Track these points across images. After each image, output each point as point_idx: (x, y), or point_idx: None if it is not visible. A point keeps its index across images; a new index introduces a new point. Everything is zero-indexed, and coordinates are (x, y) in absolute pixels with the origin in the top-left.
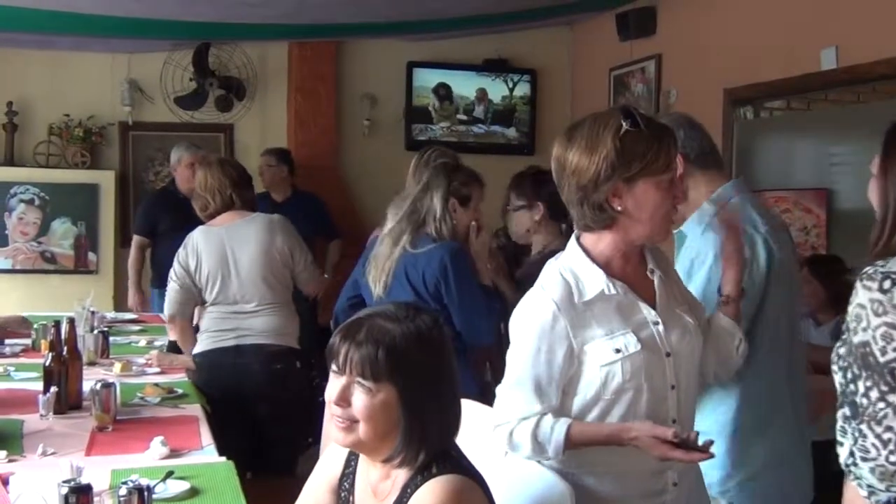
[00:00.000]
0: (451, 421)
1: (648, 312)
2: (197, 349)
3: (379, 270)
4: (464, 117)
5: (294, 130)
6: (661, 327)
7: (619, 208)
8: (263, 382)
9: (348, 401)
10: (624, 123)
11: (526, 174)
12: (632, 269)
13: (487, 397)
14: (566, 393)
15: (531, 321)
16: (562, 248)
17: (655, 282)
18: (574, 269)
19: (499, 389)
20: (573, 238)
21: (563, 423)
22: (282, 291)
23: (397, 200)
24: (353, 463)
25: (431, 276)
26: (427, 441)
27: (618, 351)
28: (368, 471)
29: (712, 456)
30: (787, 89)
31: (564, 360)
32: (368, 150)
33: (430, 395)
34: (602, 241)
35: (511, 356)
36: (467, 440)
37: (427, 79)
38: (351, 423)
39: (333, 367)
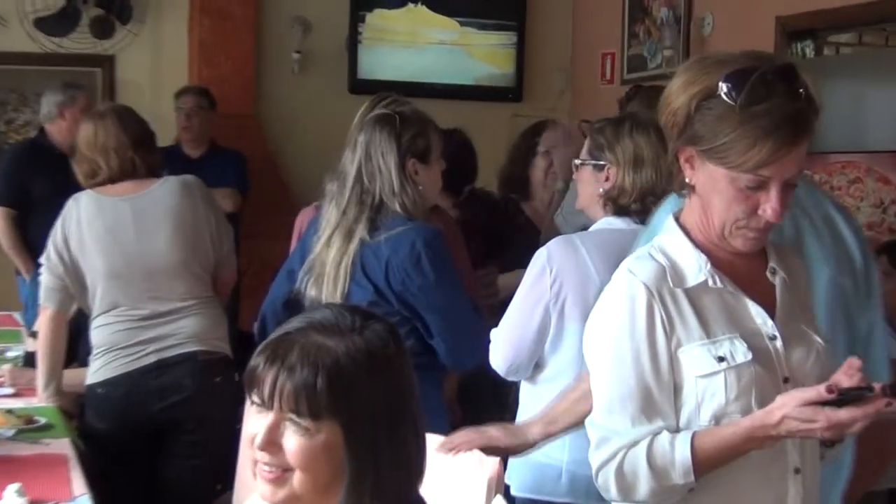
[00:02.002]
0: (413, 466)
1: (764, 322)
2: (95, 377)
3: (329, 281)
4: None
5: (198, 66)
6: (779, 343)
7: (689, 180)
8: (197, 403)
9: (278, 444)
10: (721, 87)
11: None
12: (744, 264)
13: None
14: None
15: (622, 314)
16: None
17: (777, 285)
18: (667, 249)
19: (590, 421)
20: (671, 216)
21: (683, 436)
22: (207, 281)
23: (335, 176)
24: None
25: (398, 269)
26: (381, 493)
27: (721, 359)
28: None
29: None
30: (858, 18)
31: (669, 360)
32: (299, 93)
33: (386, 433)
34: (693, 214)
35: (599, 372)
36: (434, 490)
37: None
38: (282, 473)
39: (255, 398)
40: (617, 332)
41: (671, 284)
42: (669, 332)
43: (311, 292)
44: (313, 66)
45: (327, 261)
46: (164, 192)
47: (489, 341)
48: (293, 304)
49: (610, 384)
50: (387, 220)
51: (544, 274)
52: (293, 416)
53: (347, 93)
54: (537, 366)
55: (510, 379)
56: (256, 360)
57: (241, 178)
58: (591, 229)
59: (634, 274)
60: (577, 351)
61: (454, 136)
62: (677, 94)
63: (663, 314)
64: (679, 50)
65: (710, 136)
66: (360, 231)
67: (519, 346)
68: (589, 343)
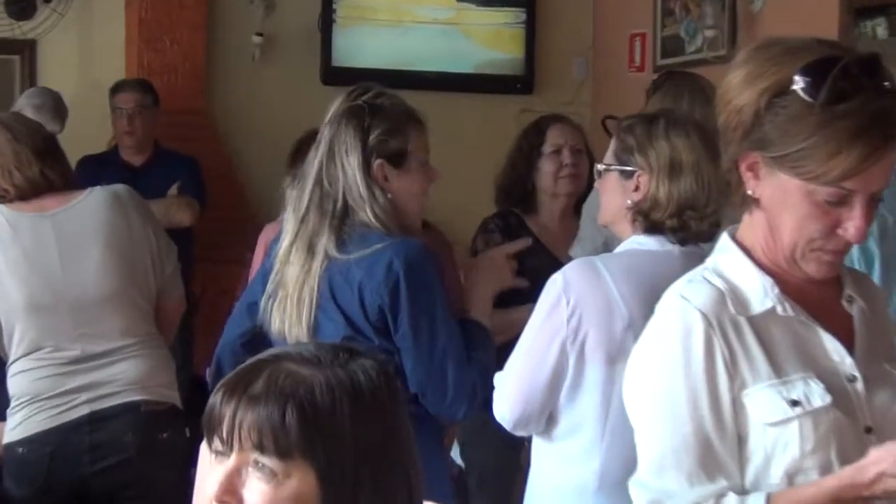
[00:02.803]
0: None
1: (842, 360)
2: (14, 434)
3: (292, 305)
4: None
5: (137, 51)
6: (859, 385)
7: (751, 192)
8: (140, 463)
9: (238, 495)
10: (796, 81)
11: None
12: (815, 291)
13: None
14: None
15: (674, 349)
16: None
17: (854, 316)
18: (725, 271)
19: (637, 481)
20: (725, 234)
21: (755, 499)
22: (150, 314)
23: (296, 180)
24: None
25: (373, 296)
26: None
27: (795, 404)
28: None
29: None
30: None
31: (732, 405)
32: (260, 84)
33: (371, 484)
34: (755, 233)
35: (647, 422)
36: None
37: None
38: None
39: (215, 442)
40: (669, 371)
41: (733, 311)
42: (732, 371)
43: (274, 322)
44: (278, 52)
45: (289, 280)
46: (91, 205)
47: (482, 389)
48: (255, 344)
49: (661, 436)
50: (356, 233)
51: (559, 305)
52: (258, 457)
53: (320, 83)
54: (551, 418)
55: (518, 434)
56: (215, 397)
57: (196, 185)
58: (616, 250)
59: (688, 300)
60: (599, 400)
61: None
62: (740, 89)
63: (725, 348)
64: (724, 30)
65: (783, 141)
66: (324, 243)
67: (529, 394)
68: (632, 387)
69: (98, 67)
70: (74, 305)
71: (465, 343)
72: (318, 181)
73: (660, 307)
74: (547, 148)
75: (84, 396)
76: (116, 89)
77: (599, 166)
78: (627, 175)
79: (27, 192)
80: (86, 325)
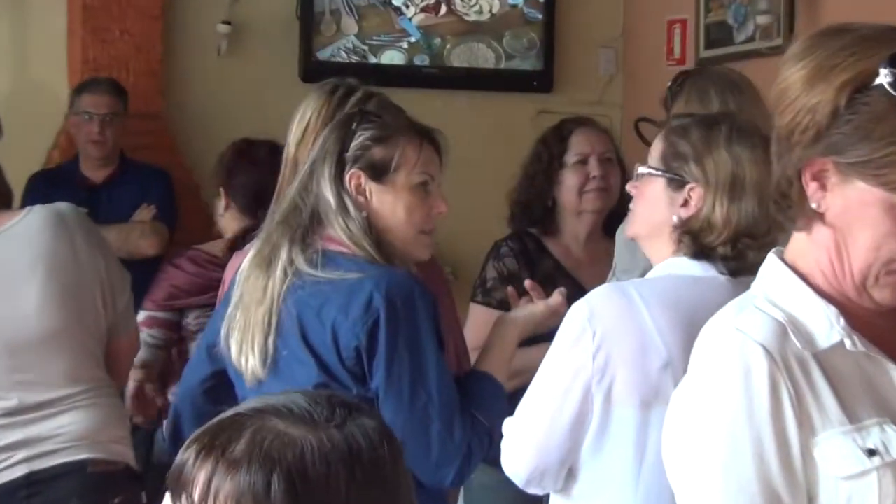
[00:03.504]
0: None
1: None
2: None
3: (249, 332)
4: (417, 15)
5: (82, 44)
6: None
7: (815, 205)
8: None
9: None
10: (883, 74)
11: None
12: (885, 324)
13: None
14: None
15: (734, 391)
16: None
17: None
18: (779, 300)
19: None
20: (771, 255)
21: None
22: (99, 356)
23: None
24: None
25: (349, 336)
26: None
27: (872, 453)
28: None
29: None
30: None
31: (801, 455)
32: (228, 82)
33: None
34: (816, 254)
35: (700, 478)
36: None
37: None
38: None
39: None
40: (727, 418)
41: (798, 346)
42: (800, 416)
43: (232, 350)
44: (249, 43)
45: (248, 301)
46: (29, 228)
47: (480, 452)
48: (219, 392)
49: (721, 493)
50: (325, 251)
51: (583, 339)
52: None
53: (299, 80)
54: (571, 474)
55: (531, 492)
56: (185, 455)
57: (169, 206)
58: (651, 273)
59: (745, 333)
60: (631, 452)
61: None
62: (809, 84)
63: (791, 389)
64: (780, 16)
65: (864, 144)
66: (284, 257)
67: (545, 444)
68: (677, 438)
69: (34, 63)
70: (9, 348)
71: (466, 398)
72: (298, 193)
73: (707, 342)
74: (570, 157)
75: (21, 454)
76: (84, 89)
77: (642, 168)
78: (677, 186)
79: None
80: (23, 370)
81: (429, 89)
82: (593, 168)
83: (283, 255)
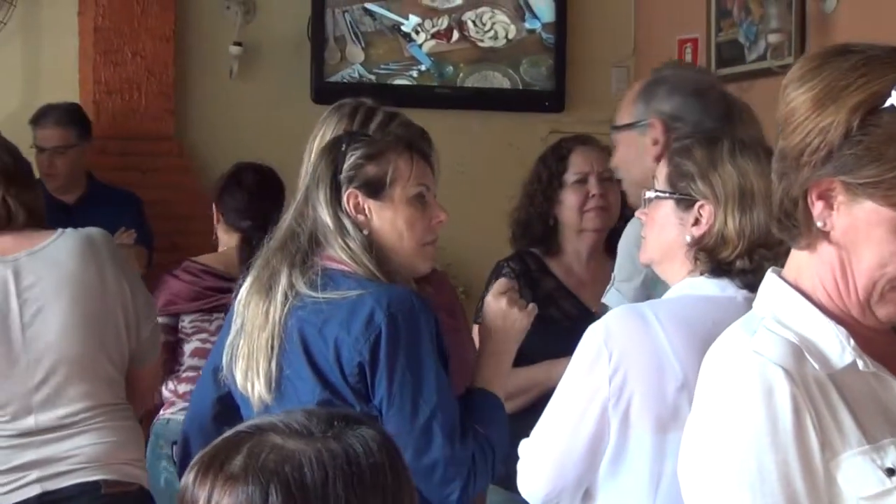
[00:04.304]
0: None
1: None
2: None
3: (253, 358)
4: (427, 41)
5: (94, 66)
6: None
7: (821, 224)
8: None
9: None
10: (894, 94)
11: None
12: (883, 342)
13: None
14: None
15: (757, 414)
16: None
17: None
18: (788, 321)
19: None
20: (770, 273)
21: None
22: (120, 383)
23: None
24: None
25: (352, 352)
26: None
27: (892, 472)
28: None
29: None
30: None
31: (825, 477)
32: (240, 103)
33: None
34: (820, 273)
35: (725, 497)
36: None
37: None
38: None
39: None
40: (750, 440)
41: (816, 367)
42: (821, 437)
43: (237, 377)
44: (260, 65)
45: (249, 328)
46: (59, 251)
47: (484, 469)
48: (227, 415)
49: None
50: (325, 272)
51: (600, 361)
52: None
53: (311, 102)
54: (587, 495)
55: None
56: (189, 475)
57: (141, 226)
58: (667, 295)
59: (763, 355)
60: (647, 473)
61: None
62: (820, 105)
63: (812, 410)
64: (791, 34)
65: (874, 165)
66: (284, 282)
67: (562, 465)
68: (696, 462)
69: (47, 85)
70: (31, 369)
71: (468, 414)
72: (296, 217)
73: (723, 366)
74: (570, 176)
75: (35, 474)
76: (35, 121)
77: (649, 194)
78: (686, 205)
79: None
80: (42, 392)
81: (441, 109)
82: (593, 187)
83: (283, 279)
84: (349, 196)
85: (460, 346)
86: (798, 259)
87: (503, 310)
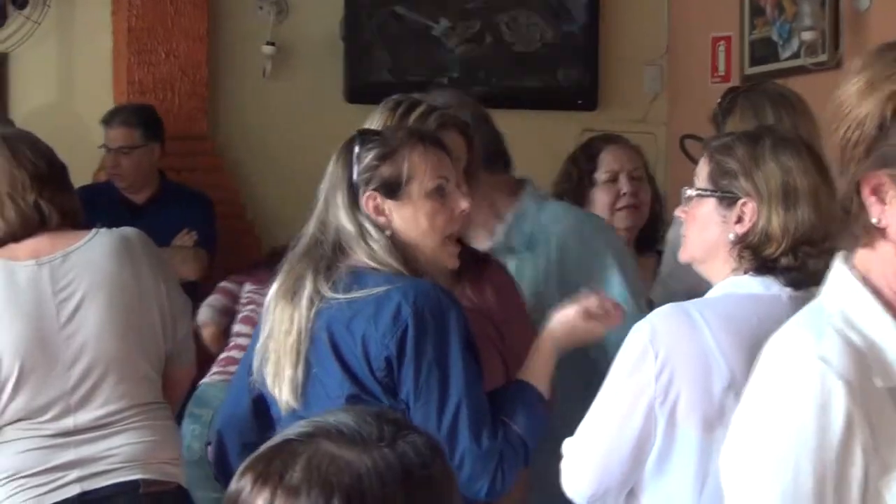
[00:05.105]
0: None
1: None
2: None
3: (280, 363)
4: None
5: (127, 66)
6: None
7: (875, 220)
8: None
9: None
10: None
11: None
12: None
13: None
14: None
15: (806, 423)
16: None
17: None
18: (858, 322)
19: None
20: (840, 264)
21: None
22: (156, 382)
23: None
24: None
25: (379, 347)
26: None
27: None
28: None
29: None
30: None
31: (861, 495)
32: (273, 102)
33: None
34: (881, 269)
35: (756, 495)
36: None
37: None
38: None
39: None
40: (796, 447)
41: (880, 384)
42: (871, 455)
43: (268, 379)
44: (293, 65)
45: (276, 332)
46: (95, 251)
47: (513, 464)
48: (261, 418)
49: None
50: (348, 274)
51: (646, 360)
52: None
53: (343, 101)
54: (632, 494)
55: None
56: (241, 482)
57: (207, 230)
58: (710, 293)
59: (829, 364)
60: (693, 473)
61: None
62: (860, 98)
63: (867, 428)
64: (825, 32)
65: None
66: (308, 287)
67: (607, 464)
68: (738, 460)
69: (80, 85)
70: (69, 370)
71: (500, 407)
72: (319, 223)
73: (784, 365)
74: (600, 175)
75: (75, 474)
76: (104, 122)
77: (690, 191)
78: (728, 203)
79: (17, 229)
80: (80, 392)
81: None
82: (623, 185)
83: (308, 285)
84: (367, 199)
85: (519, 328)
86: (865, 255)
87: (573, 321)
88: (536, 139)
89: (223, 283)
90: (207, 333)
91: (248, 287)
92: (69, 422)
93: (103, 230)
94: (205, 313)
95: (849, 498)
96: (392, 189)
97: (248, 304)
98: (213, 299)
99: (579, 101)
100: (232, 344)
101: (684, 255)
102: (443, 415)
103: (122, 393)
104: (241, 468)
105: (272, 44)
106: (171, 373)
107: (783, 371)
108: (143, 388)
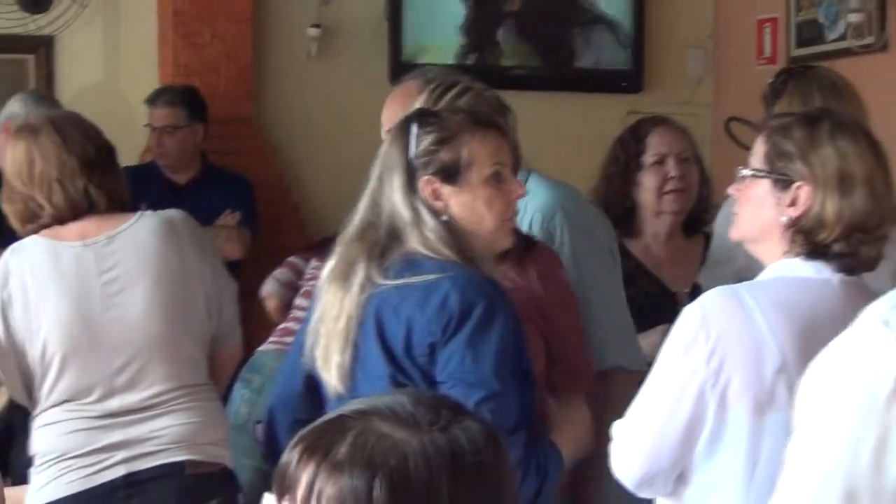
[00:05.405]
0: None
1: None
2: (40, 497)
3: (329, 346)
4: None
5: (173, 49)
6: None
7: None
8: None
9: None
10: None
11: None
12: None
13: None
14: None
15: (858, 377)
16: None
17: None
18: None
19: None
20: None
21: None
22: (202, 364)
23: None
24: None
25: (423, 332)
26: None
27: None
28: None
29: None
30: None
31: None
32: (318, 85)
33: None
34: None
35: (810, 441)
36: None
37: None
38: None
39: None
40: (844, 399)
41: None
42: None
43: (318, 360)
44: (338, 46)
45: (327, 315)
46: (140, 233)
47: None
48: (313, 398)
49: (813, 466)
50: (402, 260)
51: (697, 342)
52: None
53: (388, 83)
54: (682, 477)
55: (641, 495)
56: (291, 453)
57: (248, 211)
58: (761, 276)
59: (890, 327)
60: (744, 456)
61: None
62: None
63: None
64: (872, 13)
65: None
66: (361, 272)
67: (658, 447)
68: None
69: (126, 68)
70: (114, 351)
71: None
72: (372, 206)
73: (852, 353)
74: (648, 158)
75: (120, 455)
76: (148, 101)
77: (745, 171)
78: (783, 186)
79: (65, 213)
80: (126, 373)
81: (518, 90)
82: (671, 168)
83: (361, 271)
84: (425, 183)
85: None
86: None
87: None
88: (581, 122)
89: (291, 258)
90: (271, 305)
91: (313, 263)
92: (115, 403)
93: (148, 212)
94: (269, 286)
95: (883, 466)
96: (450, 175)
97: (311, 279)
98: (279, 272)
99: (624, 84)
100: (291, 316)
101: (736, 234)
102: (476, 409)
103: (168, 374)
104: (294, 440)
105: (317, 26)
106: (218, 354)
107: (851, 334)
108: (189, 370)
